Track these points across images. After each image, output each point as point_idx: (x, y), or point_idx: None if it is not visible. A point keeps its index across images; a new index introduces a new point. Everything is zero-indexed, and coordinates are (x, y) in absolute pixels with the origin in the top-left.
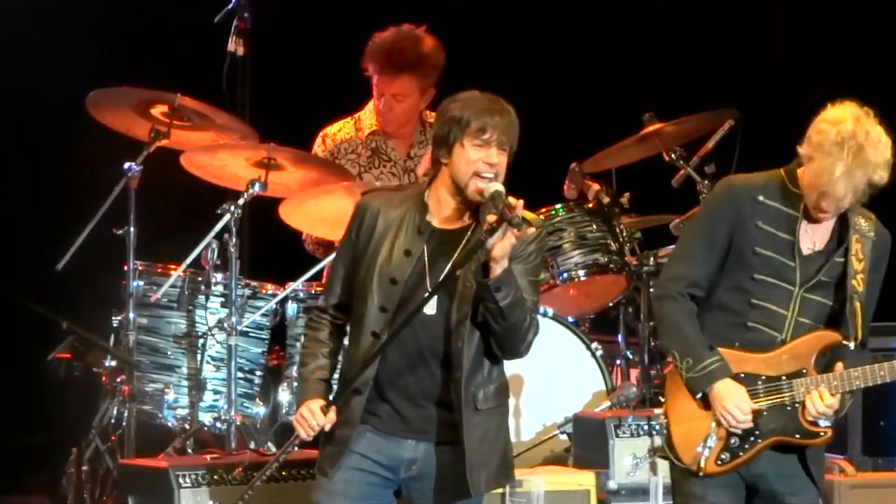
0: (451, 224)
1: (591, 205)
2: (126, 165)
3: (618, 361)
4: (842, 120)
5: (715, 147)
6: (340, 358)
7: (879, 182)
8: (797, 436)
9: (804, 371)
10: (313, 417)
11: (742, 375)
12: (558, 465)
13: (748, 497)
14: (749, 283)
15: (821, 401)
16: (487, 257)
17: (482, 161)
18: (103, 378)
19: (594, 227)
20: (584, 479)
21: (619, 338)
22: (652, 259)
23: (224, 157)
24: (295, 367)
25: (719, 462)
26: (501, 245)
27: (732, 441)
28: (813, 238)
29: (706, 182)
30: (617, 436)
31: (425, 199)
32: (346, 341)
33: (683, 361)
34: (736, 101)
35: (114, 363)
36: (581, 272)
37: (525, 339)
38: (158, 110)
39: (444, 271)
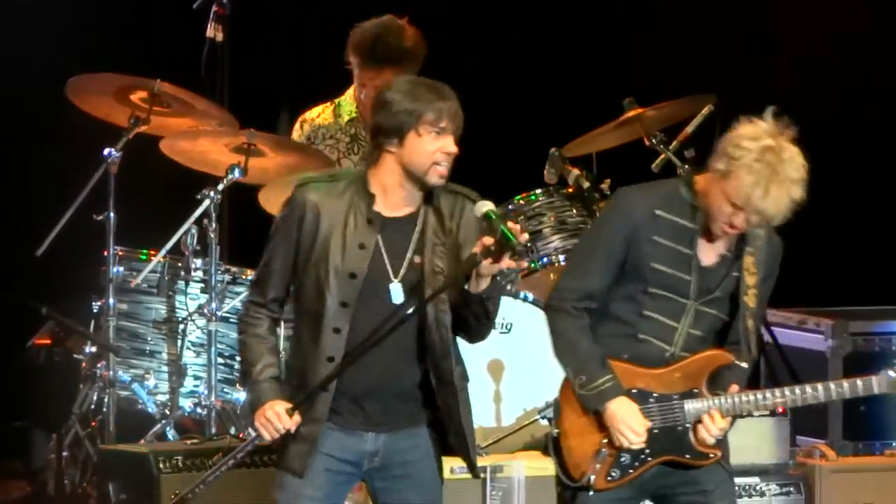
0: (400, 211)
1: (570, 190)
2: (106, 151)
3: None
4: (761, 136)
5: (694, 132)
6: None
7: (797, 199)
8: (687, 456)
9: (696, 391)
10: (279, 421)
11: (634, 391)
12: (539, 451)
13: None
14: (642, 295)
15: (713, 425)
16: (476, 273)
17: (440, 151)
18: (83, 364)
19: (574, 211)
20: None
21: None
22: None
23: (204, 144)
24: None
25: (609, 479)
26: (493, 268)
27: (623, 458)
28: (712, 250)
29: (686, 167)
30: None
31: (369, 188)
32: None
33: (577, 378)
34: (715, 85)
35: (94, 349)
36: (561, 257)
37: (493, 325)
38: (138, 96)
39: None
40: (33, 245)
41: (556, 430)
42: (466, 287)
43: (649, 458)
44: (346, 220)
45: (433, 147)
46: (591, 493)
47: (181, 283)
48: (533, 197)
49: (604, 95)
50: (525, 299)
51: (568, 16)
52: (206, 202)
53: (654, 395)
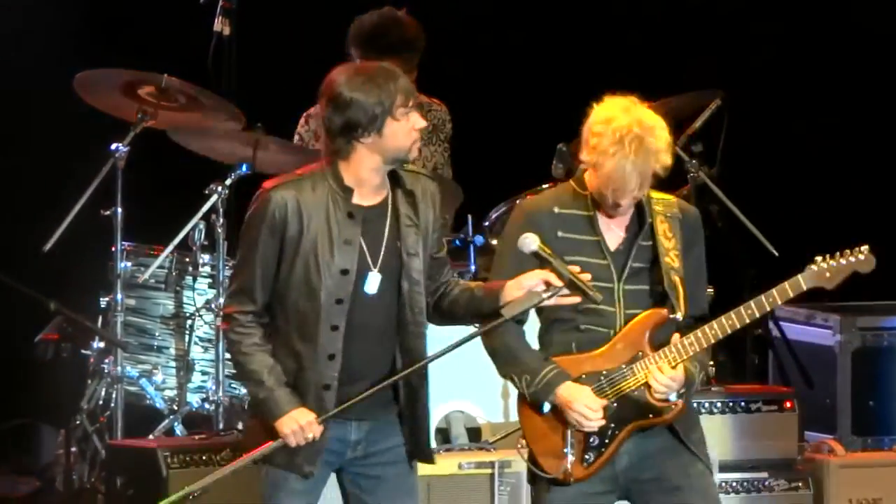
0: (373, 199)
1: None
2: (113, 146)
3: None
4: (613, 117)
5: (702, 127)
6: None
7: (665, 165)
8: (650, 415)
9: (640, 354)
10: (311, 430)
11: (583, 377)
12: None
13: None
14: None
15: (661, 373)
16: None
17: (413, 129)
18: (91, 359)
19: None
20: None
21: None
22: None
23: (210, 138)
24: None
25: (585, 464)
26: (555, 300)
27: (591, 440)
28: (616, 232)
29: (693, 161)
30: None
31: (345, 182)
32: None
33: (522, 380)
34: (722, 80)
35: (101, 344)
36: None
37: None
38: (145, 91)
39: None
40: (41, 240)
41: (524, 443)
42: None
43: (617, 432)
44: (327, 216)
45: (408, 127)
46: (571, 482)
47: (189, 279)
48: (540, 192)
49: (611, 90)
50: None
51: (574, 10)
52: (214, 197)
53: (603, 372)
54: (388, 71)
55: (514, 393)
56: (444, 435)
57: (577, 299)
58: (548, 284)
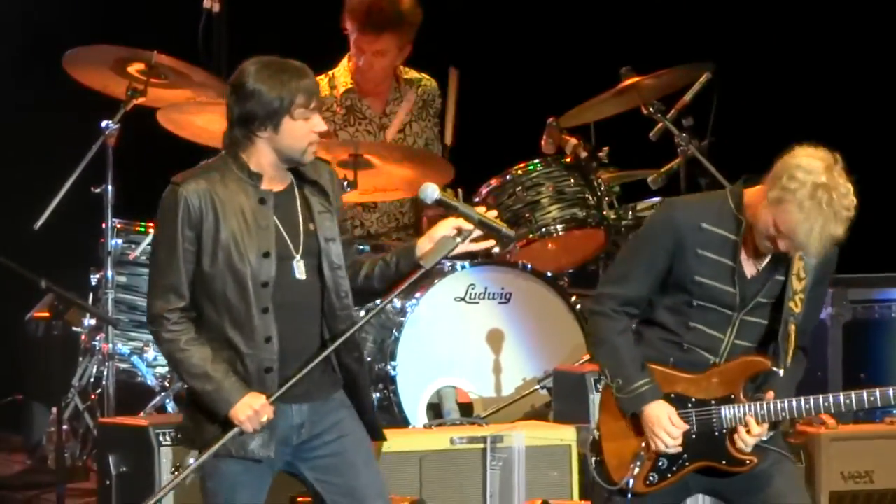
0: (279, 186)
1: (568, 159)
2: (103, 124)
3: None
4: (816, 170)
5: (692, 100)
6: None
7: (840, 238)
8: (724, 462)
9: (733, 397)
10: (265, 412)
11: (672, 396)
12: (539, 421)
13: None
14: (687, 307)
15: (747, 434)
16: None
17: (312, 131)
18: (82, 337)
19: (572, 181)
20: (565, 434)
21: None
22: (630, 213)
23: (200, 115)
24: None
25: (647, 482)
26: (473, 246)
27: (660, 462)
28: (755, 262)
29: (683, 135)
30: (597, 390)
31: (252, 168)
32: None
33: (614, 381)
34: (713, 54)
35: (93, 322)
36: (559, 227)
37: None
38: (135, 68)
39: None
40: (31, 218)
41: (596, 433)
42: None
43: (687, 463)
44: (240, 203)
45: (307, 129)
46: (629, 496)
47: None
48: (531, 167)
49: (601, 65)
50: (524, 269)
51: None
52: None
53: (692, 400)
54: (296, 68)
55: (506, 368)
56: (436, 410)
57: (492, 242)
58: (459, 230)
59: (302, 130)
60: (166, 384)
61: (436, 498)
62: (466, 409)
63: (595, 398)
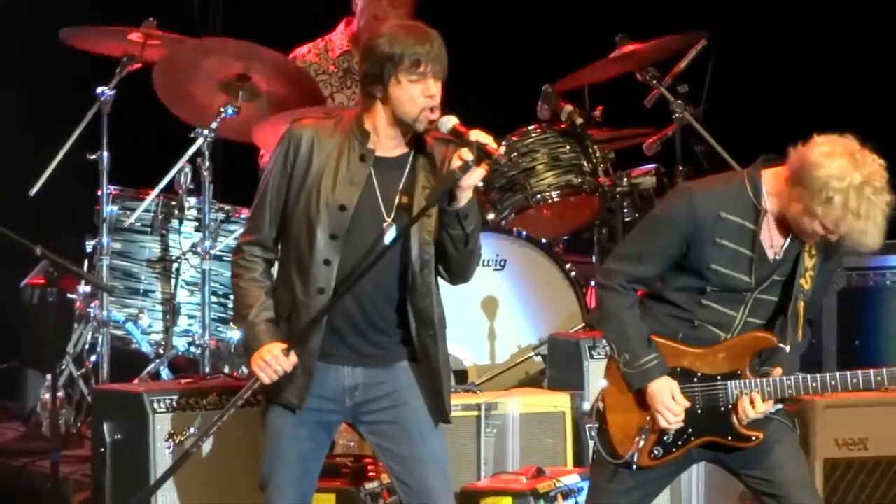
0: (392, 152)
1: (563, 126)
2: (99, 90)
3: (592, 282)
4: (848, 171)
5: (687, 67)
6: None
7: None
8: (729, 438)
9: (739, 373)
10: (277, 363)
11: (678, 370)
12: (533, 388)
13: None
14: (699, 291)
15: (752, 408)
16: (455, 187)
17: (423, 96)
18: (77, 304)
19: (567, 148)
20: (559, 401)
21: (594, 259)
22: (625, 179)
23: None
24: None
25: (652, 456)
26: (473, 178)
27: (665, 437)
28: (773, 245)
29: (679, 102)
30: (591, 357)
31: (364, 126)
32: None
33: (621, 356)
34: (708, 21)
35: (88, 289)
36: (554, 193)
37: (476, 264)
38: (132, 36)
39: (416, 206)
40: (27, 185)
41: (601, 405)
42: (447, 207)
43: (692, 438)
44: (339, 155)
45: (415, 93)
46: (634, 468)
47: (175, 222)
48: (526, 134)
49: (597, 32)
50: (519, 236)
51: None
52: (200, 140)
53: (698, 374)
54: (418, 31)
55: (500, 335)
56: None
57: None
58: (463, 163)
59: (409, 94)
60: (161, 351)
61: None
62: (461, 376)
63: (589, 365)
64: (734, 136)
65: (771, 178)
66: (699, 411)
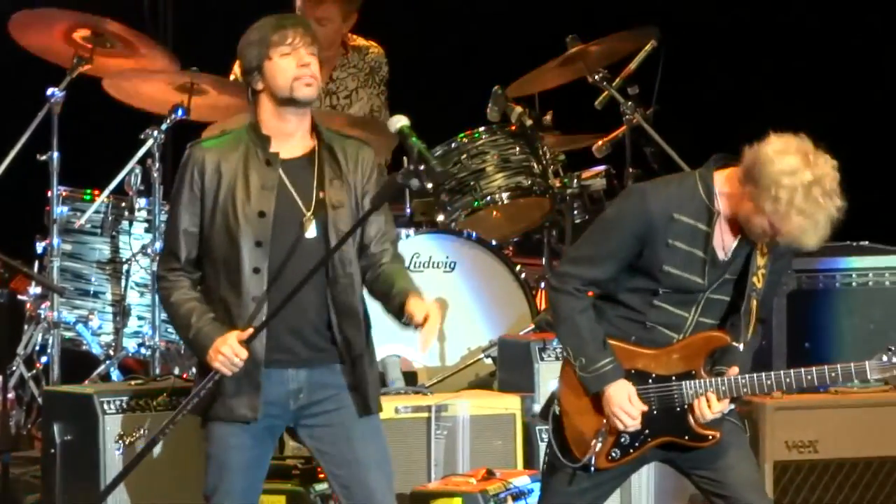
0: (295, 152)
1: (513, 127)
2: (49, 91)
3: (542, 284)
4: (798, 169)
5: (637, 68)
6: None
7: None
8: (686, 437)
9: (693, 373)
10: (234, 354)
11: (633, 372)
12: (483, 390)
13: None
14: (651, 293)
15: (708, 408)
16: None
17: (295, 66)
18: (27, 305)
19: (517, 149)
20: (510, 403)
21: (543, 261)
22: (575, 181)
23: (146, 84)
24: None
25: (610, 458)
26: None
27: (622, 439)
28: (725, 245)
29: (629, 103)
30: (542, 359)
31: (262, 131)
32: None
33: (577, 360)
34: (658, 22)
35: (38, 290)
36: (504, 195)
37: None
38: (80, 35)
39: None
40: None
41: (556, 408)
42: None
43: (649, 439)
44: (245, 165)
45: (287, 64)
46: (592, 471)
47: (125, 224)
48: (476, 135)
49: (547, 33)
50: (469, 238)
51: None
52: (150, 142)
53: (653, 376)
54: (281, 16)
55: (450, 337)
56: (381, 379)
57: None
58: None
59: (282, 67)
60: (111, 353)
61: None
62: (411, 378)
63: (539, 367)
64: (684, 137)
65: (723, 179)
66: (655, 412)
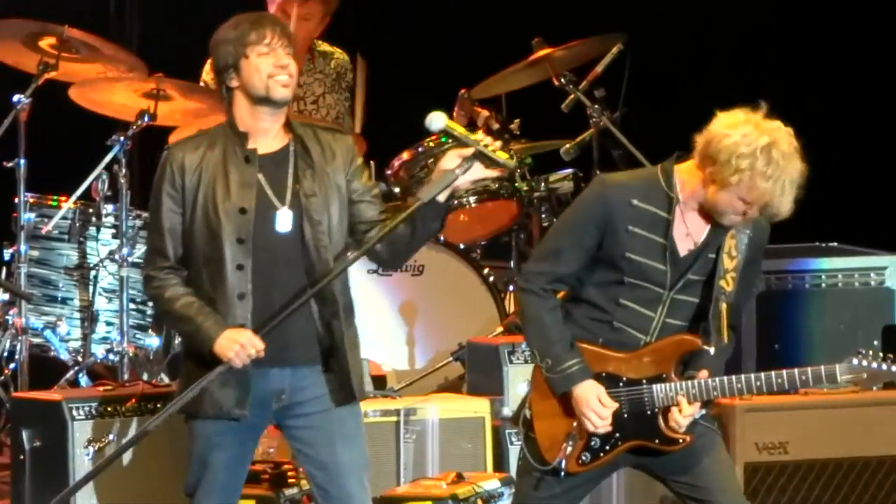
0: (272, 146)
1: (480, 131)
2: (15, 98)
3: (510, 287)
4: (752, 135)
5: (604, 71)
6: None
7: (802, 172)
8: (657, 441)
9: (664, 376)
10: (252, 346)
11: (603, 375)
12: (452, 393)
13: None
14: (616, 285)
15: (680, 414)
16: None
17: (273, 65)
18: None
19: None
20: (479, 406)
21: (512, 264)
22: (543, 184)
23: (113, 90)
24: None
25: (580, 462)
26: (471, 175)
27: (593, 442)
28: (690, 239)
29: (596, 106)
30: (511, 362)
31: (239, 128)
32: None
33: (544, 361)
34: (624, 25)
35: (5, 296)
36: (471, 198)
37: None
38: (46, 42)
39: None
40: None
41: (527, 412)
42: (438, 200)
43: (620, 443)
44: (225, 163)
45: (264, 63)
46: (562, 475)
47: (92, 230)
48: (443, 139)
49: (513, 36)
50: (437, 241)
51: None
52: (117, 147)
53: (623, 379)
54: (258, 15)
55: (419, 340)
56: None
57: (494, 173)
58: (461, 162)
59: (259, 65)
60: (79, 358)
61: None
62: (380, 381)
63: (508, 370)
64: (651, 140)
65: (684, 172)
66: (626, 416)
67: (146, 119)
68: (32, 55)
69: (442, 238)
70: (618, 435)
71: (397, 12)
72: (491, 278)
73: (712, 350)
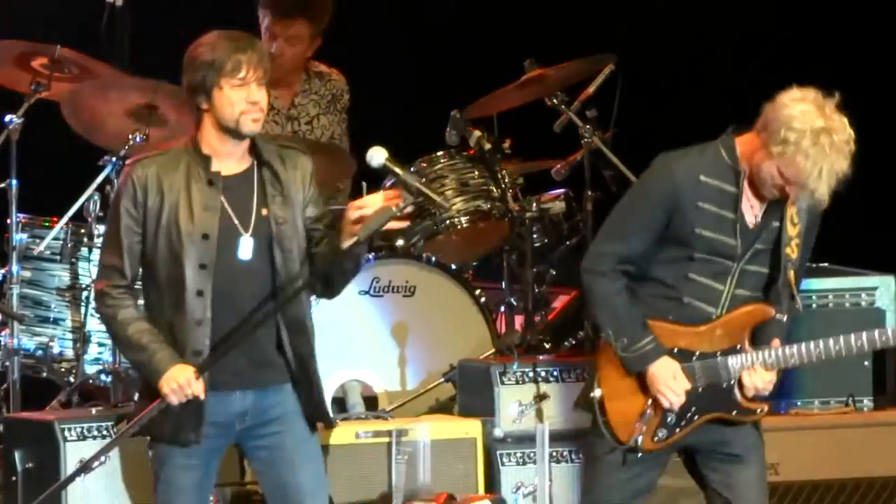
0: (235, 168)
1: (472, 151)
2: (7, 118)
3: (502, 308)
4: (811, 115)
5: (596, 92)
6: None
7: (846, 175)
8: (734, 412)
9: (739, 347)
10: (190, 387)
11: (676, 351)
12: (444, 414)
13: (688, 460)
14: (686, 261)
15: (760, 379)
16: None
17: (245, 101)
18: None
19: (476, 173)
20: (470, 428)
21: (503, 284)
22: (534, 205)
23: (103, 110)
24: None
25: (656, 439)
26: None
27: (668, 418)
28: (754, 210)
29: (587, 126)
30: (502, 383)
31: (203, 151)
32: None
33: (618, 341)
34: (616, 46)
35: None
36: (463, 219)
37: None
38: (38, 62)
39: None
40: None
41: (598, 392)
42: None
43: (696, 417)
44: (188, 185)
45: (237, 97)
46: (639, 454)
47: (84, 250)
48: (435, 159)
49: (505, 57)
50: (429, 262)
51: None
52: (108, 168)
53: (697, 353)
54: (238, 38)
55: (410, 361)
56: (341, 404)
57: (401, 224)
58: (399, 199)
59: (230, 99)
60: (71, 379)
61: (341, 493)
62: (371, 402)
63: (500, 391)
64: (643, 161)
65: (742, 143)
66: (700, 390)
67: (137, 139)
68: (24, 75)
69: (433, 259)
70: (694, 409)
71: (389, 33)
72: (483, 299)
73: (784, 318)
